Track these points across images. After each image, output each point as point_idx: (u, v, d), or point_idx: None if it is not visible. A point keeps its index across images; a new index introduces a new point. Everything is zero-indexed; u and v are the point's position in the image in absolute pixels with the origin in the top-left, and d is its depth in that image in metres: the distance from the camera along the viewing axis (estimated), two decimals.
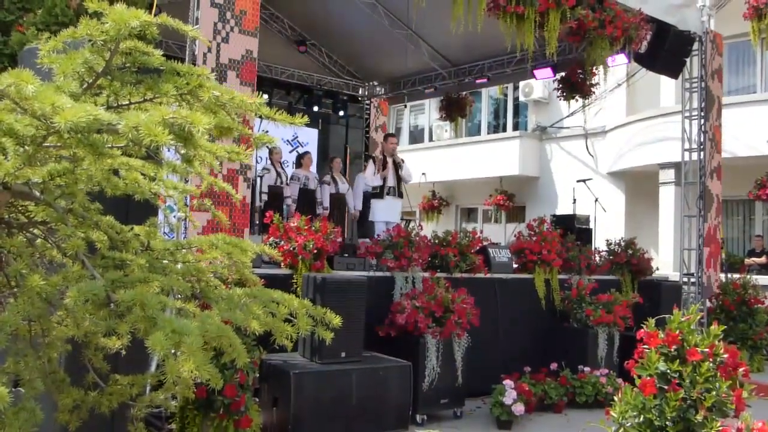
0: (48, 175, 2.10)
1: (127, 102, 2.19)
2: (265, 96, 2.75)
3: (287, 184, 9.09)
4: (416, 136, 17.93)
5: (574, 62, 9.60)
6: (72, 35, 2.03)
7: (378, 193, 7.98)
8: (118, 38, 2.02)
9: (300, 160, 9.48)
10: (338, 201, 9.13)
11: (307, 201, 8.99)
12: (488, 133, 16.04)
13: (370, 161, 8.18)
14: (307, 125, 2.71)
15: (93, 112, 1.72)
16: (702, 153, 8.49)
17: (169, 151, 2.37)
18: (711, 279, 8.47)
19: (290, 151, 11.82)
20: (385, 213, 8.01)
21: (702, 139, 8.50)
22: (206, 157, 2.46)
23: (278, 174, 8.92)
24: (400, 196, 8.07)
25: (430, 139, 17.02)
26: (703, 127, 8.52)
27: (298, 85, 11.92)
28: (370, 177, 8.00)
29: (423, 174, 15.46)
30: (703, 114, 8.53)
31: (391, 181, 8.02)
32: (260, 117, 2.66)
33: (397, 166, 8.07)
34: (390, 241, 6.29)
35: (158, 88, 2.15)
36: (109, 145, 2.08)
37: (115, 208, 2.93)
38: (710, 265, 8.47)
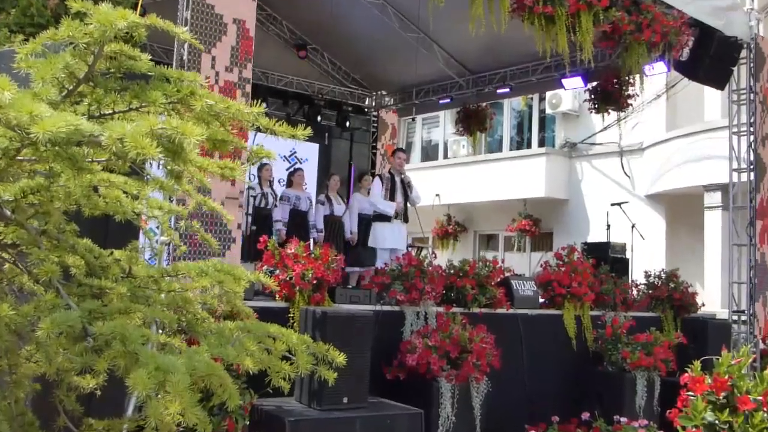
0: (20, 192, 2.12)
1: (111, 111, 2.22)
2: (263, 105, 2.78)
3: (276, 205, 9.17)
4: (429, 153, 18.03)
5: (607, 71, 9.67)
6: (52, 37, 2.06)
7: (384, 216, 8.02)
8: (103, 41, 2.05)
9: (290, 178, 9.56)
10: (333, 224, 9.18)
11: (298, 224, 9.04)
12: (511, 150, 16.11)
13: (376, 180, 8.21)
14: (308, 139, 2.74)
15: (74, 122, 1.75)
16: (753, 173, 8.44)
17: (151, 166, 2.41)
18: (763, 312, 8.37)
19: (288, 169, 11.89)
20: (392, 239, 8.03)
21: (752, 158, 8.46)
22: (195, 174, 2.49)
23: (264, 194, 8.98)
24: (406, 220, 8.13)
25: (445, 156, 17.12)
26: (752, 144, 8.49)
27: (298, 94, 12.08)
28: (377, 198, 8.04)
29: (437, 195, 15.60)
30: (752, 129, 8.50)
31: (399, 206, 8.07)
32: (257, 130, 2.70)
33: (406, 186, 8.14)
34: (399, 271, 6.31)
35: (145, 96, 2.18)
36: (90, 159, 2.11)
37: (93, 229, 2.96)
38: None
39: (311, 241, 8.90)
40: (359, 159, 13.02)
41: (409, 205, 8.24)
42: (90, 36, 2.06)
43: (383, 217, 8.01)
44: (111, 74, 2.32)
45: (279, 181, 11.19)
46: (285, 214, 9.10)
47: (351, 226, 9.05)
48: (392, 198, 8.04)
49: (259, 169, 9.01)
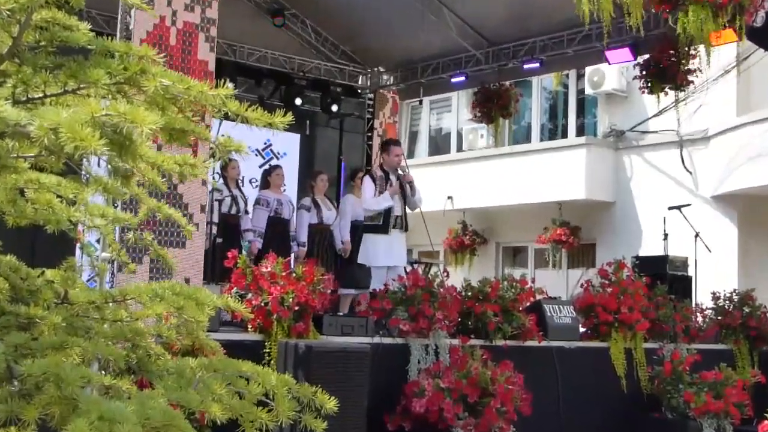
0: None
1: (42, 94, 2.21)
2: (229, 85, 2.79)
3: (247, 211, 9.16)
4: (439, 145, 18.09)
5: (662, 41, 9.69)
6: None
7: (379, 225, 7.95)
8: (31, 7, 2.06)
9: (266, 178, 9.53)
10: (322, 234, 9.18)
11: (279, 235, 9.04)
12: (542, 141, 16.15)
13: (366, 178, 8.15)
14: (287, 128, 2.75)
15: None
16: None
17: (91, 163, 2.39)
18: None
19: (262, 166, 11.90)
20: (389, 254, 7.98)
21: None
22: (147, 172, 2.49)
23: (233, 198, 8.99)
24: (406, 229, 8.11)
25: (459, 149, 17.15)
26: None
27: (273, 72, 12.12)
28: (369, 200, 8.01)
29: (449, 198, 15.61)
30: None
31: (397, 209, 8.03)
32: (225, 117, 2.70)
33: (404, 186, 8.12)
34: (403, 293, 6.33)
35: (85, 75, 2.18)
36: (15, 155, 2.11)
37: (18, 243, 2.96)
38: None
39: (291, 257, 8.89)
40: (351, 153, 13.05)
41: (408, 210, 8.24)
42: (14, 1, 2.06)
43: (376, 227, 7.96)
44: (41, 48, 2.31)
45: (250, 181, 11.21)
46: (261, 222, 9.10)
47: (342, 235, 9.04)
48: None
49: (224, 167, 8.97)
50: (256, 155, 11.91)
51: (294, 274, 5.64)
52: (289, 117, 2.62)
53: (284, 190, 9.67)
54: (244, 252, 8.93)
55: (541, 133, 16.45)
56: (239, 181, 9.53)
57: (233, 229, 8.91)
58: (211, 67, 6.17)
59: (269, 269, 5.62)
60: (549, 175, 14.61)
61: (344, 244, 9.01)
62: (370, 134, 12.92)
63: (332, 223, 9.23)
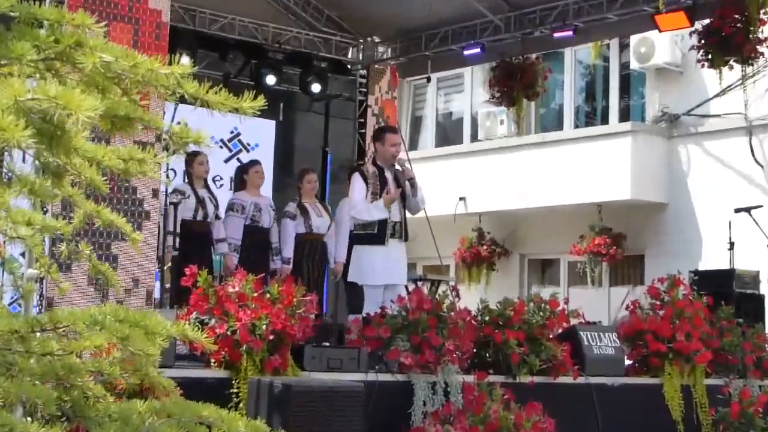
0: None
1: None
2: (186, 60, 2.78)
3: (218, 216, 9.13)
4: (448, 133, 17.99)
5: (726, 3, 9.65)
6: None
7: (373, 234, 7.94)
8: None
9: (242, 176, 9.52)
10: (312, 247, 9.17)
11: (258, 246, 9.03)
12: (576, 127, 16.10)
13: (356, 176, 8.14)
14: (259, 113, 2.76)
15: None
16: None
17: (11, 158, 2.43)
18: None
19: (226, 160, 11.88)
20: (386, 270, 7.93)
21: None
22: (84, 169, 2.48)
23: (200, 201, 8.95)
24: (406, 238, 8.11)
25: (474, 138, 17.02)
26: None
27: (241, 43, 12.03)
28: (358, 205, 7.97)
29: (461, 200, 15.51)
30: None
31: (395, 214, 7.99)
32: (181, 99, 2.70)
33: (403, 185, 8.09)
34: (404, 319, 6.29)
35: (6, 50, 2.18)
36: None
37: None
38: None
39: (275, 273, 8.81)
40: (339, 143, 12.97)
41: (409, 214, 8.21)
42: None
43: (369, 236, 7.90)
44: None
45: (214, 180, 11.16)
46: (237, 232, 9.10)
47: (336, 252, 9.03)
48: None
49: (189, 161, 8.92)
50: (221, 147, 11.88)
51: (268, 295, 5.62)
52: (261, 100, 2.64)
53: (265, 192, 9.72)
54: (217, 268, 9.06)
55: (575, 118, 16.37)
56: (208, 180, 9.47)
57: (201, 239, 8.86)
58: (165, 18, 6.16)
59: (237, 289, 5.59)
60: (585, 170, 14.50)
61: (336, 264, 9.00)
62: (362, 120, 12.73)
63: (325, 232, 9.21)
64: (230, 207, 9.18)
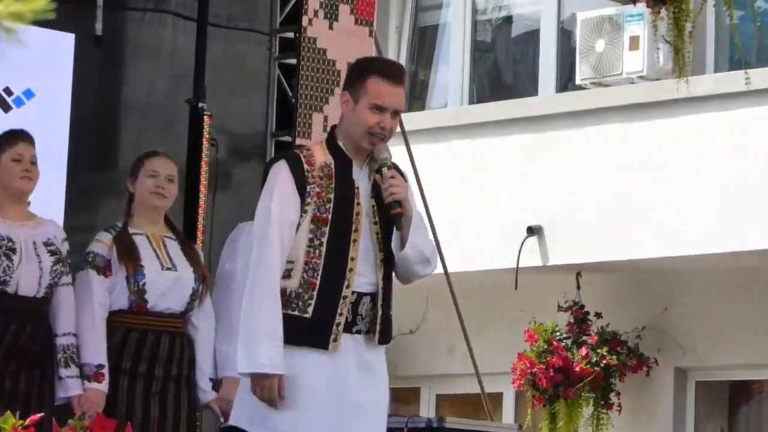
0: None
1: None
2: None
3: None
4: (502, 73, 11.77)
5: None
6: None
7: (305, 322, 4.33)
8: None
9: None
10: (152, 346, 5.51)
11: (18, 343, 5.45)
12: None
13: (278, 168, 4.50)
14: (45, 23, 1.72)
15: None
16: None
17: None
18: None
19: None
20: (333, 411, 4.47)
21: None
22: None
23: None
24: (385, 335, 4.46)
25: (563, 86, 11.17)
26: None
27: None
28: (266, 236, 4.12)
29: (531, 234, 9.83)
30: None
31: (366, 276, 4.49)
32: None
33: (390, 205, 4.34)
34: None
35: None
36: None
37: None
38: None
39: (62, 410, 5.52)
40: (232, 91, 7.38)
41: (398, 273, 4.67)
42: None
43: (296, 327, 4.40)
44: None
45: None
46: None
47: (220, 361, 5.55)
48: (342, 247, 4.38)
49: None
50: None
51: None
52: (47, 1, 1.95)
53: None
54: None
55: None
56: None
57: None
58: None
59: None
60: None
61: (216, 399, 5.64)
62: (290, 33, 7.31)
63: (184, 308, 5.57)
64: None
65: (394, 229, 4.40)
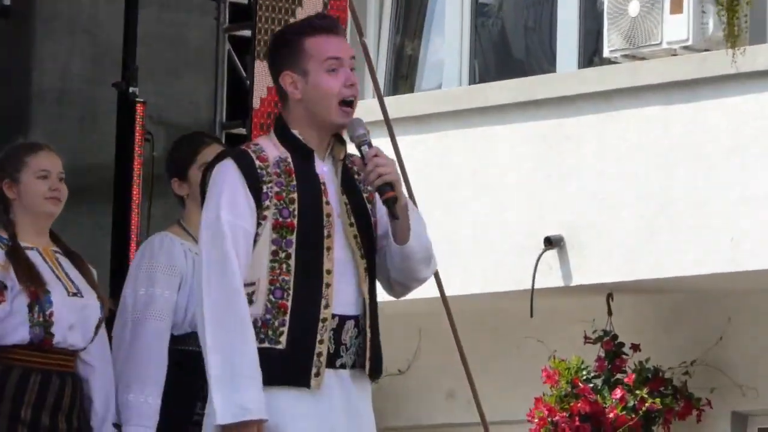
0: None
1: None
2: None
3: None
4: (511, 48, 11.38)
5: None
6: None
7: (279, 356, 4.41)
8: None
9: None
10: (40, 390, 5.38)
11: None
12: None
13: (224, 168, 4.57)
14: None
15: None
16: None
17: None
18: None
19: None
20: None
21: None
22: None
23: None
24: (377, 370, 4.62)
25: (589, 61, 10.27)
26: None
27: None
28: (215, 246, 4.53)
29: (549, 246, 9.33)
30: None
31: (346, 293, 4.33)
32: None
33: (365, 197, 4.49)
34: None
35: None
36: None
37: None
38: None
39: None
40: (171, 71, 7.60)
41: (390, 286, 4.35)
42: None
43: (270, 363, 4.21)
44: None
45: None
46: None
47: (111, 418, 5.42)
48: (314, 257, 4.26)
49: None
50: None
51: None
52: None
53: None
54: None
55: None
56: None
57: None
58: None
59: None
60: None
61: None
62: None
63: (88, 344, 5.28)
64: None
65: (389, 219, 3.96)
